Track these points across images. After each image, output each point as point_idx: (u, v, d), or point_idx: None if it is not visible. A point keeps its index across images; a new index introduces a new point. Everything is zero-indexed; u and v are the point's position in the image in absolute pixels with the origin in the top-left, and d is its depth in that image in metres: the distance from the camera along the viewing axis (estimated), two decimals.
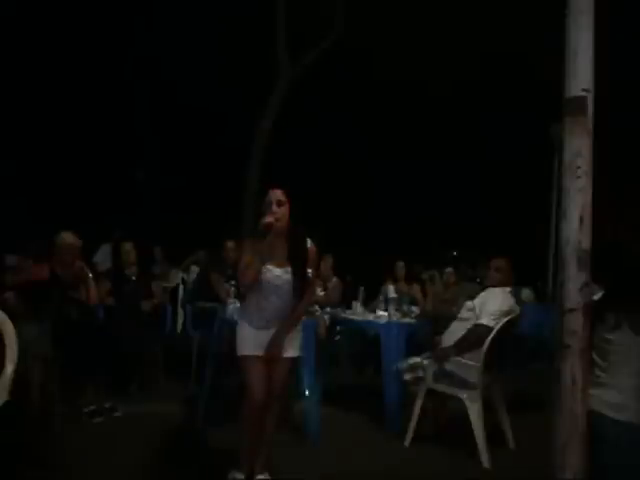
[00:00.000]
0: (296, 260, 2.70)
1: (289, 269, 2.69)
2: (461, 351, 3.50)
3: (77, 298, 4.24)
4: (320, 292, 5.22)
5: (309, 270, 2.76)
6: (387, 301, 4.41)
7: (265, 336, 2.71)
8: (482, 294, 3.68)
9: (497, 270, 3.73)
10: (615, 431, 1.79)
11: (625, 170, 8.31)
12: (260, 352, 2.70)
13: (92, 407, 3.98)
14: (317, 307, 4.93)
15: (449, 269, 5.72)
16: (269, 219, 2.60)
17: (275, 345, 2.71)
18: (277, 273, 2.67)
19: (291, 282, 2.68)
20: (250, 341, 2.71)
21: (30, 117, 9.59)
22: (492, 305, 3.53)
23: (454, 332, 3.65)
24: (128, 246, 5.01)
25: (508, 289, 3.68)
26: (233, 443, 2.97)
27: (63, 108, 9.80)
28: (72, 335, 4.00)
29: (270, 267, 2.66)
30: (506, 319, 3.49)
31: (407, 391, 3.79)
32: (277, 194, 2.66)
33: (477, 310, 3.56)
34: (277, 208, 2.64)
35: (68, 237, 4.17)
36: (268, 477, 2.79)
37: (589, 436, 1.56)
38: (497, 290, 3.64)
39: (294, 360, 2.88)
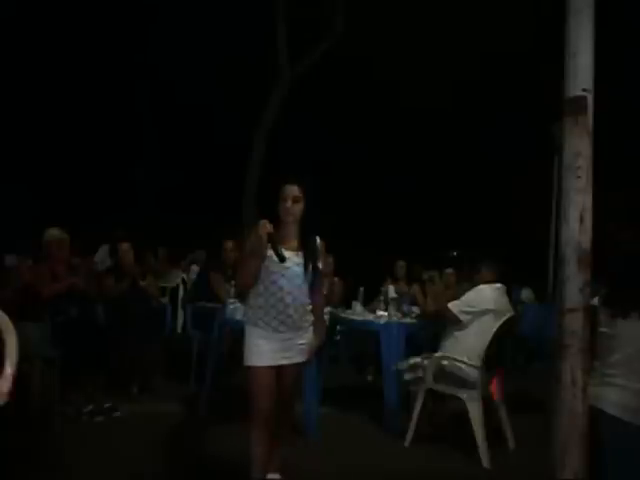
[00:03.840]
0: (307, 249, 2.64)
1: (301, 254, 2.61)
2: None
3: (76, 297, 4.25)
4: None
5: (320, 263, 2.69)
6: (387, 301, 4.41)
7: (278, 343, 2.59)
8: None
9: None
10: (621, 431, 1.80)
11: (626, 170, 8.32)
12: (272, 362, 2.58)
13: (92, 407, 3.99)
14: None
15: (449, 269, 5.72)
16: (288, 217, 2.59)
17: (310, 351, 2.71)
18: (287, 255, 2.55)
19: (302, 266, 2.59)
20: (261, 350, 2.58)
21: (30, 117, 9.59)
22: (466, 295, 3.62)
23: (450, 333, 3.68)
24: (126, 246, 5.02)
25: (497, 285, 3.68)
26: (233, 443, 2.97)
27: (63, 108, 9.80)
28: (72, 335, 4.00)
29: (281, 254, 2.54)
30: (504, 319, 3.50)
31: (407, 391, 3.80)
32: (294, 190, 2.60)
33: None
34: (292, 204, 2.59)
35: (55, 232, 4.18)
36: (279, 477, 2.77)
37: (593, 436, 1.56)
38: (482, 286, 3.66)
39: (303, 365, 2.76)
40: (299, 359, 2.68)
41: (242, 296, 2.78)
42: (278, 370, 2.63)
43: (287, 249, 2.59)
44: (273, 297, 2.57)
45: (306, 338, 2.69)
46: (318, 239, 2.73)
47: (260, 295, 2.60)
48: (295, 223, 2.64)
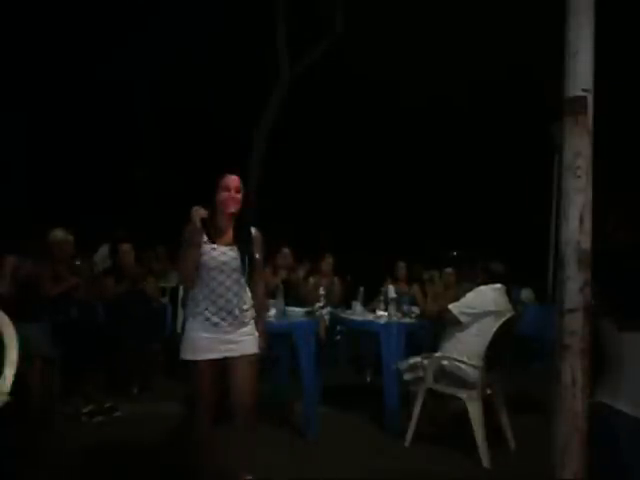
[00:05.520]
0: (242, 242, 2.65)
1: (235, 248, 2.63)
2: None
3: (76, 297, 4.25)
4: (322, 291, 5.22)
5: (256, 254, 2.69)
6: (387, 301, 4.41)
7: (219, 337, 2.58)
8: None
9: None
10: (636, 429, 1.80)
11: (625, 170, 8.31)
12: (212, 356, 2.58)
13: (92, 407, 3.99)
14: (318, 306, 4.94)
15: (449, 269, 5.72)
16: (232, 206, 2.59)
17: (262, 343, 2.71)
18: (223, 250, 2.61)
19: (238, 259, 2.61)
20: (202, 344, 2.58)
21: (29, 117, 9.59)
22: (466, 297, 3.61)
23: (450, 333, 3.68)
24: (127, 247, 5.02)
25: (497, 286, 3.67)
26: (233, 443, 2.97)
27: (63, 108, 9.80)
28: (72, 335, 4.01)
29: (216, 245, 2.60)
30: (503, 319, 3.50)
31: (407, 391, 3.80)
32: (236, 180, 2.62)
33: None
34: (235, 194, 2.61)
35: (59, 233, 4.19)
36: (251, 477, 2.70)
37: (606, 434, 1.56)
38: (483, 287, 3.66)
39: (256, 359, 2.67)
40: (247, 351, 2.63)
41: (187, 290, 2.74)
42: (226, 365, 2.61)
43: (222, 244, 2.61)
44: (213, 293, 2.59)
45: (249, 330, 2.66)
46: (254, 230, 2.73)
47: (200, 290, 2.61)
48: (233, 215, 2.64)
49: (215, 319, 2.59)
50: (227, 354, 2.61)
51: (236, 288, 2.62)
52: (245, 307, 2.67)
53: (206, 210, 2.60)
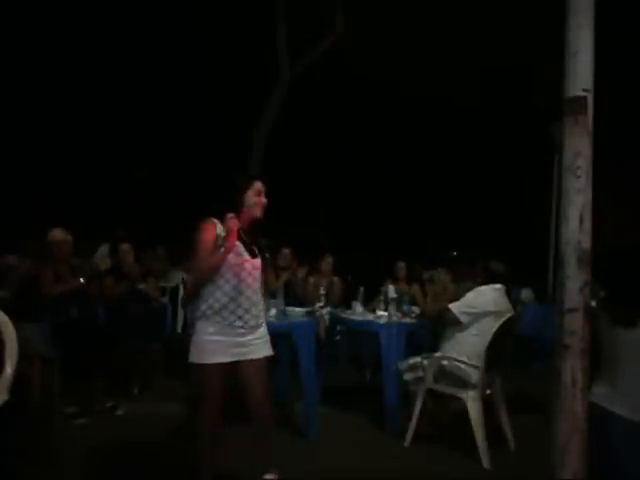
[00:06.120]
0: (257, 244, 2.70)
1: (255, 250, 2.67)
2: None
3: (77, 297, 4.25)
4: (322, 291, 5.22)
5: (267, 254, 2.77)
6: (387, 301, 4.41)
7: (234, 339, 2.54)
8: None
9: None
10: (632, 432, 1.80)
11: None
12: (226, 359, 2.53)
13: (92, 407, 3.99)
14: (318, 306, 4.94)
15: (440, 269, 5.70)
16: (261, 210, 2.64)
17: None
18: (246, 248, 2.64)
19: (260, 262, 2.67)
20: (216, 347, 2.52)
21: (29, 118, 9.59)
22: (467, 296, 3.60)
23: (450, 333, 3.68)
24: (126, 247, 5.02)
25: (497, 286, 3.67)
26: (233, 442, 2.97)
27: (62, 108, 9.81)
28: (72, 335, 4.01)
29: (240, 247, 2.60)
30: (503, 319, 3.50)
31: (407, 391, 3.80)
32: (262, 186, 2.66)
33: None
34: (264, 198, 2.66)
35: (58, 233, 4.19)
36: (276, 477, 2.73)
37: (600, 435, 1.56)
38: (483, 287, 3.65)
39: (267, 361, 2.67)
40: (261, 354, 2.62)
41: (196, 291, 2.62)
42: (239, 367, 2.58)
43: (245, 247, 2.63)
44: (234, 290, 2.54)
45: (262, 333, 2.66)
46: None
47: (219, 288, 2.54)
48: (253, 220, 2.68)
49: (232, 318, 2.53)
50: (238, 358, 2.57)
51: (256, 286, 2.64)
52: (261, 307, 2.69)
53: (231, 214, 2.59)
